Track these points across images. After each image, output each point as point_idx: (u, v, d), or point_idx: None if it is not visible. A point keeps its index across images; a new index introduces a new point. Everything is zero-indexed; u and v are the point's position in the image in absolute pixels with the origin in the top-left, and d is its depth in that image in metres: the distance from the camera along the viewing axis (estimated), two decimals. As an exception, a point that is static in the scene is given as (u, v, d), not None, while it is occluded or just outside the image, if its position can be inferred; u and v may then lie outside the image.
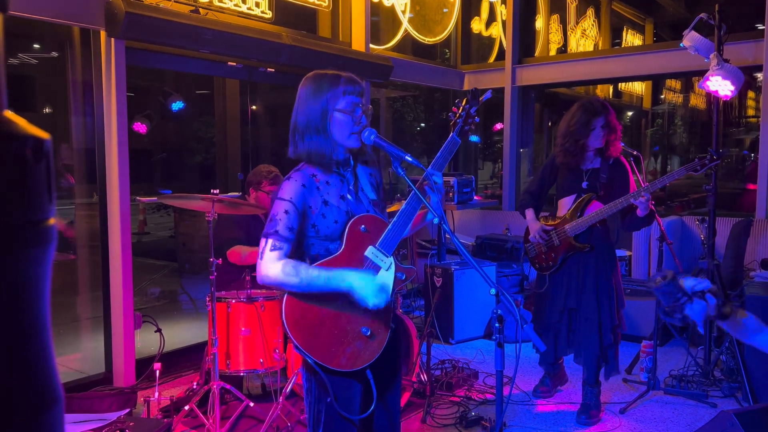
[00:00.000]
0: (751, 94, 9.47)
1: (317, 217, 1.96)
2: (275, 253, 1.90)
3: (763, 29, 5.28)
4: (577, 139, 3.44)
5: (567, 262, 3.56)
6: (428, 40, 6.85)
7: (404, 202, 2.03)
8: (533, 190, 3.74)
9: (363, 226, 1.99)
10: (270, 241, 1.92)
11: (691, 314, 1.63)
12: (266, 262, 1.91)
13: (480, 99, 2.20)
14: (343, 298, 1.94)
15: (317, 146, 1.97)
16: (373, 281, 1.91)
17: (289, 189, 1.96)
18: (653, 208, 3.34)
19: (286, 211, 1.93)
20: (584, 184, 3.50)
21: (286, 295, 1.92)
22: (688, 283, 1.65)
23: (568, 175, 3.57)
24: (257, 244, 2.05)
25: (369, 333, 1.98)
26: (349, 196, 2.02)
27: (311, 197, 1.96)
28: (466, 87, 7.35)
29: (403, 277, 2.09)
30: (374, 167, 2.16)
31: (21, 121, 0.59)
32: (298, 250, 1.98)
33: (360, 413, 2.01)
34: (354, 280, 1.89)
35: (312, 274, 1.88)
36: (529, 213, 3.71)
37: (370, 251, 1.99)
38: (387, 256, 2.00)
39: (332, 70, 2.05)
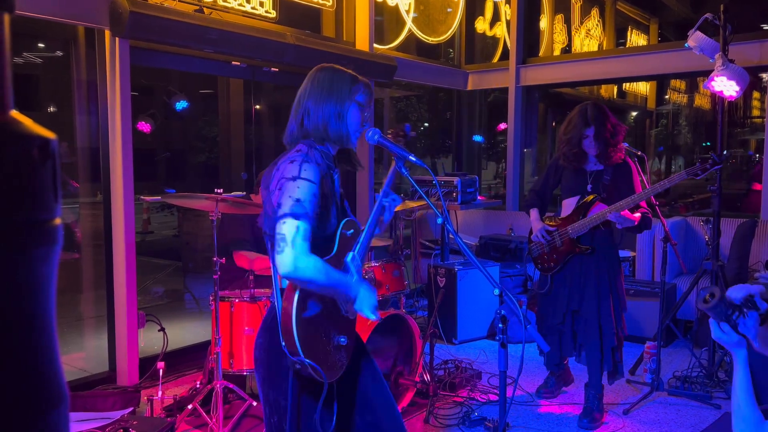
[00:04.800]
0: (756, 94, 9.45)
1: (324, 208, 1.88)
2: (308, 245, 1.74)
3: (769, 29, 5.26)
4: (572, 146, 3.42)
5: (569, 264, 3.54)
6: (432, 39, 6.84)
7: (373, 210, 2.03)
8: (538, 189, 3.75)
9: (350, 230, 1.96)
10: (302, 226, 1.74)
11: (745, 330, 1.54)
12: (300, 253, 1.72)
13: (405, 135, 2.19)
14: (332, 305, 1.90)
15: (336, 129, 1.92)
16: (374, 296, 1.90)
17: (314, 172, 1.82)
18: (649, 214, 3.37)
19: (315, 195, 1.79)
20: (589, 187, 3.48)
21: (298, 293, 1.79)
22: (735, 294, 1.55)
23: (573, 176, 3.54)
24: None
25: (345, 342, 1.93)
26: (336, 197, 1.97)
27: (324, 185, 1.88)
28: (469, 87, 7.34)
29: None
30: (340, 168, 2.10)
31: (27, 121, 0.59)
32: None
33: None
34: (362, 292, 1.88)
35: (334, 276, 1.80)
36: (533, 213, 3.71)
37: (350, 257, 1.94)
38: (361, 264, 1.98)
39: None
